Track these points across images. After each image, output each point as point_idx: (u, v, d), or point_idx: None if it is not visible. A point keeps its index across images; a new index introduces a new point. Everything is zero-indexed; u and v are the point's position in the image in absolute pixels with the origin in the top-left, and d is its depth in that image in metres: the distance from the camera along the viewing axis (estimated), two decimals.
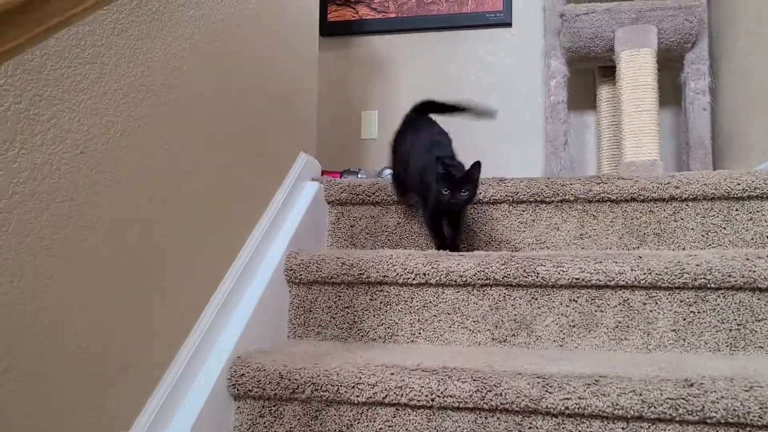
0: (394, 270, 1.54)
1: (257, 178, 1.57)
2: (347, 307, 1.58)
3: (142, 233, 1.07)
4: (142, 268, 1.07)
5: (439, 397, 1.19)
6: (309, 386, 1.24)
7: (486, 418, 1.20)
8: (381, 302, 1.57)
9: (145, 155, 1.08)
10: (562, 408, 1.15)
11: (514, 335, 1.50)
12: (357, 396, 1.23)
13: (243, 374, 1.27)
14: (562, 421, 1.17)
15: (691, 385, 1.10)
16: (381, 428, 1.23)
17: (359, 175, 2.72)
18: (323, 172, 2.06)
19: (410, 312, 1.55)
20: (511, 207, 1.83)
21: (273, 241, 1.59)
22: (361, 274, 1.55)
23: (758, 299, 1.37)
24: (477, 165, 1.58)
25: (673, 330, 1.41)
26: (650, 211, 1.73)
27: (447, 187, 1.58)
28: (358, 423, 1.24)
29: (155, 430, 1.08)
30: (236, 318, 1.37)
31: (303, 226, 1.72)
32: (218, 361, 1.26)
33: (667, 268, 1.40)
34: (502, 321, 1.51)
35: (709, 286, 1.39)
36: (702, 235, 1.68)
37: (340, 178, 2.45)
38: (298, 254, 1.61)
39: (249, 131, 1.51)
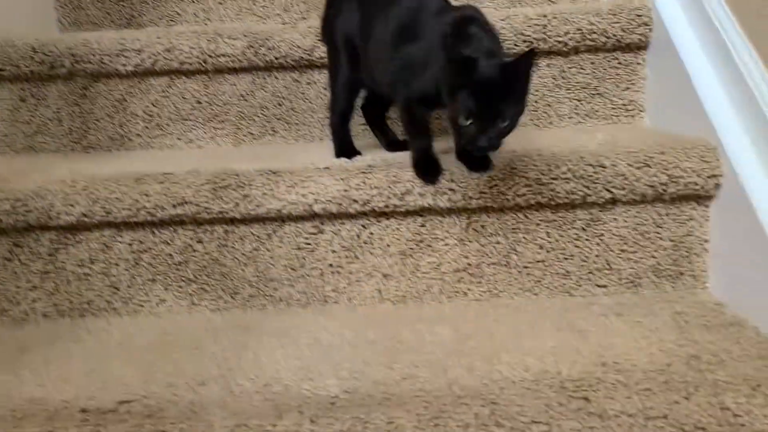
0: None
1: None
2: None
3: None
4: None
5: (211, 57, 1.15)
6: (68, 58, 1.14)
7: (264, 78, 1.18)
8: None
9: None
10: None
11: (304, 18, 1.44)
12: (124, 65, 1.15)
13: None
14: None
15: None
16: (157, 100, 1.18)
17: None
18: None
19: None
20: None
21: None
22: None
23: None
24: (530, 54, 0.77)
25: None
26: None
27: (472, 106, 0.76)
28: (131, 96, 1.18)
29: None
30: None
31: None
32: None
33: None
34: (291, 4, 1.44)
35: None
36: None
37: None
38: None
39: None
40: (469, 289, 0.93)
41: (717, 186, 0.88)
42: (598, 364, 0.71)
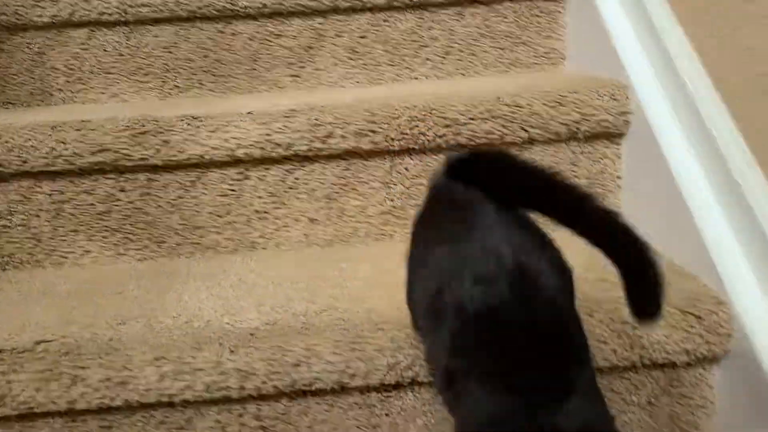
0: None
1: None
2: None
3: None
4: None
5: (132, 7, 1.12)
6: None
7: (187, 29, 1.16)
8: None
9: None
10: (260, 5, 1.13)
11: None
12: (39, 16, 1.11)
13: None
14: (264, 23, 1.16)
15: None
16: (77, 53, 1.15)
17: None
18: None
19: None
20: None
21: None
22: None
23: None
24: None
25: None
26: None
27: None
28: (50, 50, 1.15)
29: None
30: None
31: None
32: None
33: None
34: None
35: None
36: None
37: None
38: None
39: None
40: (395, 231, 0.95)
41: (627, 123, 0.91)
42: None
